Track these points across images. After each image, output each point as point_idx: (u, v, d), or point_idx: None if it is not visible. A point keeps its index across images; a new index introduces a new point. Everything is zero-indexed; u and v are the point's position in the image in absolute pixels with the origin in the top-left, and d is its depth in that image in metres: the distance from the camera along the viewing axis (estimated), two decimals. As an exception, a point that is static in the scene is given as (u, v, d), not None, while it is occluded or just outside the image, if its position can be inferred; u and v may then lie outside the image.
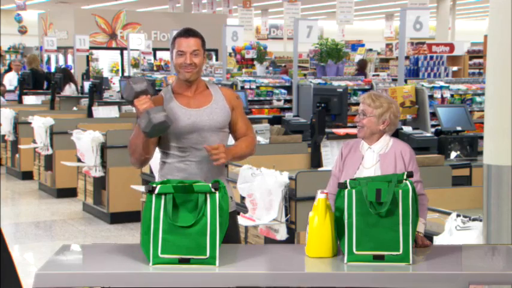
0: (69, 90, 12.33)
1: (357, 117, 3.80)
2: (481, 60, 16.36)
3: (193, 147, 3.60)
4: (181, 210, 3.10)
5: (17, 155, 10.80)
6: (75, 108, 11.60)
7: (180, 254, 3.06)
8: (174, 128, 3.57)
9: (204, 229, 3.07)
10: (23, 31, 25.87)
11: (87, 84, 11.71)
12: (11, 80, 14.13)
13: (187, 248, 3.06)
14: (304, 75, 15.60)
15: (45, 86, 13.43)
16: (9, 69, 15.92)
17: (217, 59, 20.16)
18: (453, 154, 6.60)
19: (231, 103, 3.73)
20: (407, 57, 13.78)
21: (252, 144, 3.78)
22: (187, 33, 3.63)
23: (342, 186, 3.21)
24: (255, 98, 11.18)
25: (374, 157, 3.71)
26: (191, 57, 3.59)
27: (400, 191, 3.14)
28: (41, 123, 9.25)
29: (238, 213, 5.21)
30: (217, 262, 3.06)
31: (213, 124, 3.64)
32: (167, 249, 3.06)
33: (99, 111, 9.99)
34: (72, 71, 14.72)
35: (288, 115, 8.88)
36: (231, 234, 3.63)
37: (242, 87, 10.88)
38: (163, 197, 3.09)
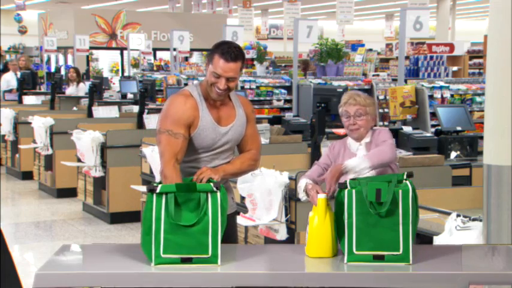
0: (83, 88, 12.35)
1: (349, 119, 3.81)
2: (481, 60, 16.36)
3: (205, 160, 3.57)
4: (183, 210, 3.09)
5: (17, 155, 10.80)
6: (75, 108, 11.60)
7: (182, 253, 3.06)
8: (204, 143, 3.52)
9: (206, 228, 3.07)
10: (23, 31, 25.87)
11: (87, 84, 11.72)
12: (9, 80, 14.09)
13: (190, 247, 3.06)
14: (304, 75, 15.61)
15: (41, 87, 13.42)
16: (4, 70, 15.84)
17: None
18: (453, 154, 6.60)
19: (247, 117, 3.66)
20: (407, 57, 13.78)
21: (249, 160, 3.65)
22: (230, 56, 3.40)
23: (342, 186, 3.21)
24: (255, 98, 11.17)
25: (364, 151, 3.77)
26: (226, 83, 3.44)
27: (400, 191, 3.14)
28: (41, 123, 9.25)
29: (238, 213, 5.22)
30: (219, 261, 3.07)
31: (233, 143, 3.62)
32: (169, 249, 3.06)
33: (99, 111, 9.99)
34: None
35: (288, 115, 8.87)
36: (231, 235, 3.63)
37: (242, 87, 10.88)
38: (164, 196, 3.09)
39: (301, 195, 3.64)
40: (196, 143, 3.51)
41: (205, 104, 3.53)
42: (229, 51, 3.41)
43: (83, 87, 12.38)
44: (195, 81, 3.55)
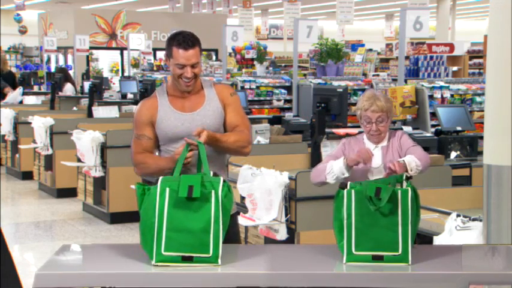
0: (70, 88, 12.33)
1: (370, 125, 3.75)
2: (481, 60, 16.35)
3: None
4: (186, 208, 3.09)
5: (17, 155, 10.80)
6: (75, 108, 11.60)
7: (183, 251, 3.06)
8: (168, 132, 3.57)
9: (208, 227, 3.07)
10: (23, 31, 25.87)
11: (87, 84, 11.71)
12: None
13: (191, 245, 3.06)
14: (304, 75, 15.59)
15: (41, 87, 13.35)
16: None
17: (217, 59, 20.15)
18: (453, 154, 6.60)
19: (223, 102, 3.64)
20: (407, 57, 13.77)
21: (241, 139, 3.60)
22: (187, 44, 3.50)
23: (341, 186, 3.21)
24: (255, 98, 11.18)
25: (379, 154, 3.74)
26: (191, 70, 3.52)
27: (399, 192, 3.14)
28: (41, 123, 9.25)
29: (238, 213, 5.21)
30: (219, 261, 3.07)
31: (206, 128, 3.55)
32: (171, 247, 3.06)
33: (99, 111, 9.99)
34: (72, 71, 14.67)
35: (288, 115, 8.87)
36: (233, 236, 3.63)
37: (242, 87, 10.88)
38: (167, 194, 3.09)
39: (336, 173, 3.64)
40: (162, 134, 3.58)
41: (168, 98, 3.61)
42: (185, 39, 3.52)
43: (70, 88, 12.35)
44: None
